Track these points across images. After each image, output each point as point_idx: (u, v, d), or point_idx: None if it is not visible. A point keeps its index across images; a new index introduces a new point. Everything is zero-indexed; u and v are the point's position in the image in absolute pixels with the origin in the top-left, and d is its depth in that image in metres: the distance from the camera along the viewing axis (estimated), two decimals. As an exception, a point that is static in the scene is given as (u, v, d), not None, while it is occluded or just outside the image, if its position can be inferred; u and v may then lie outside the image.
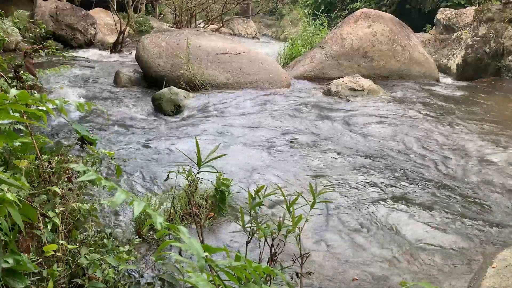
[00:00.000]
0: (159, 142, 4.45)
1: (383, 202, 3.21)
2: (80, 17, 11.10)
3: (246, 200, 1.96)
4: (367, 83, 6.46)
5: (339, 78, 6.65)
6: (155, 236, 2.54)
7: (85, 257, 1.81)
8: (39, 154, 2.00)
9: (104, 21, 12.57)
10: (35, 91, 2.70)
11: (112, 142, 4.41)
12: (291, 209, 1.84)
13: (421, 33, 11.78)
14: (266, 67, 7.09)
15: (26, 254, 1.58)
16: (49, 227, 1.80)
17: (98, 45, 11.32)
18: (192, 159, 1.95)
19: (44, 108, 1.41)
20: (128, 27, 11.08)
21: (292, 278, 1.97)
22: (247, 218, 1.94)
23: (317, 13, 10.65)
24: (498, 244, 2.73)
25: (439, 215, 3.06)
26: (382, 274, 2.41)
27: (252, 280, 1.18)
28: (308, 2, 18.69)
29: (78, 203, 2.04)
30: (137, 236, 2.48)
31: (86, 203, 2.07)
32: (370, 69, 7.81)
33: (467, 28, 9.25)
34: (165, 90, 5.78)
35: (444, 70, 8.99)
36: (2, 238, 1.38)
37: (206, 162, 1.87)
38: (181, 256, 1.99)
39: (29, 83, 2.90)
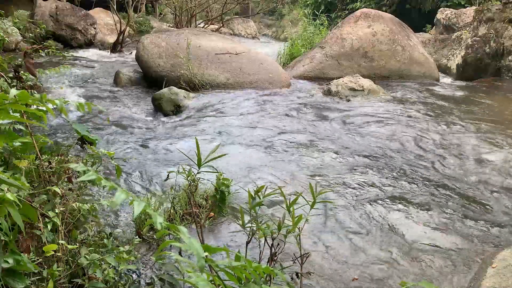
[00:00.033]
0: (159, 142, 4.45)
1: (382, 202, 3.21)
2: (80, 17, 11.10)
3: (246, 200, 1.96)
4: (367, 83, 6.47)
5: (339, 78, 6.65)
6: (155, 236, 2.54)
7: (85, 257, 1.81)
8: (39, 154, 2.00)
9: (104, 21, 12.57)
10: (35, 91, 2.69)
11: (111, 142, 4.41)
12: (291, 209, 1.84)
13: (421, 33, 11.78)
14: (266, 67, 7.09)
15: (26, 254, 1.58)
16: (49, 227, 1.80)
17: (98, 45, 11.32)
18: (192, 159, 1.95)
19: (44, 108, 1.41)
20: (128, 27, 11.09)
21: (292, 278, 1.97)
22: (247, 218, 1.94)
23: (317, 13, 10.66)
24: (498, 244, 2.73)
25: (439, 215, 3.06)
26: (382, 274, 2.41)
27: (252, 280, 1.18)
28: (308, 2, 18.69)
29: (78, 203, 2.04)
30: (137, 236, 2.48)
31: (86, 203, 2.07)
32: (370, 69, 7.81)
33: (467, 28, 9.25)
34: (165, 90, 5.78)
35: (444, 70, 8.99)
36: (2, 238, 1.38)
37: (206, 162, 1.86)
38: (181, 256, 1.99)
39: (29, 83, 2.90)
